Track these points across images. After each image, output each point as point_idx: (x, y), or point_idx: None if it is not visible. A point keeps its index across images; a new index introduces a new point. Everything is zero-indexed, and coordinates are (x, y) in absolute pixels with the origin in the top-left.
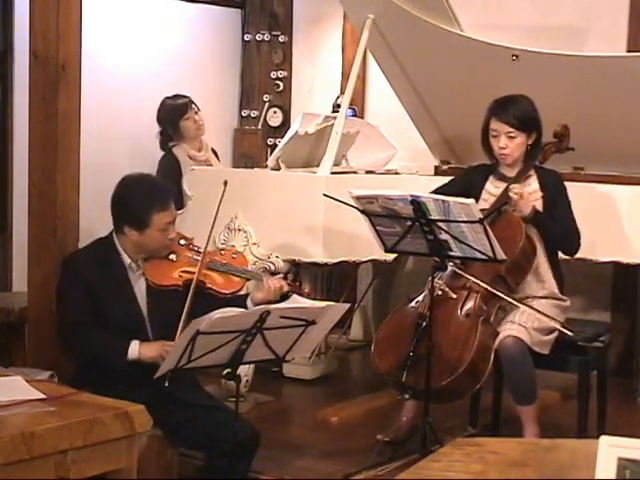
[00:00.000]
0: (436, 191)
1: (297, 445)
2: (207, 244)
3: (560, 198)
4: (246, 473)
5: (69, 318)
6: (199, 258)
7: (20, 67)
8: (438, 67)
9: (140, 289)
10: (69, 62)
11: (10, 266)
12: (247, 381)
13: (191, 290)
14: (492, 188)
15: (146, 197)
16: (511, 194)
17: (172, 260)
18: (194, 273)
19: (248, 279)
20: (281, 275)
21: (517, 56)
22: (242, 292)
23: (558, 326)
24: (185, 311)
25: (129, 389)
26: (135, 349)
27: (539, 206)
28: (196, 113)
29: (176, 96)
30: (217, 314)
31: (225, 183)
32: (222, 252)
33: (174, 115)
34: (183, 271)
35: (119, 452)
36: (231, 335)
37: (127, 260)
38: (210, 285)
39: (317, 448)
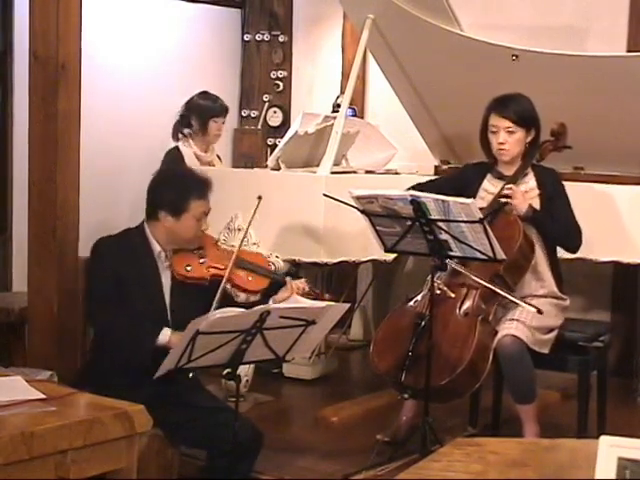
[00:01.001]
0: (427, 183)
1: (297, 445)
2: (241, 243)
3: (558, 197)
4: (248, 473)
5: (99, 296)
6: (227, 257)
7: (20, 67)
8: (438, 67)
9: (166, 280)
10: (69, 62)
11: (10, 266)
12: (247, 381)
13: (221, 285)
14: (490, 186)
15: (185, 183)
16: (505, 192)
17: (200, 254)
18: (221, 269)
19: (272, 280)
20: (304, 279)
21: (517, 56)
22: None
23: (524, 304)
24: (213, 306)
25: (129, 389)
26: (167, 334)
27: (536, 204)
28: (223, 123)
29: (219, 99)
30: (217, 314)
31: (259, 198)
32: (248, 251)
33: (208, 111)
34: (210, 266)
35: (119, 452)
36: (231, 335)
37: (157, 249)
38: (237, 283)
39: (317, 448)
